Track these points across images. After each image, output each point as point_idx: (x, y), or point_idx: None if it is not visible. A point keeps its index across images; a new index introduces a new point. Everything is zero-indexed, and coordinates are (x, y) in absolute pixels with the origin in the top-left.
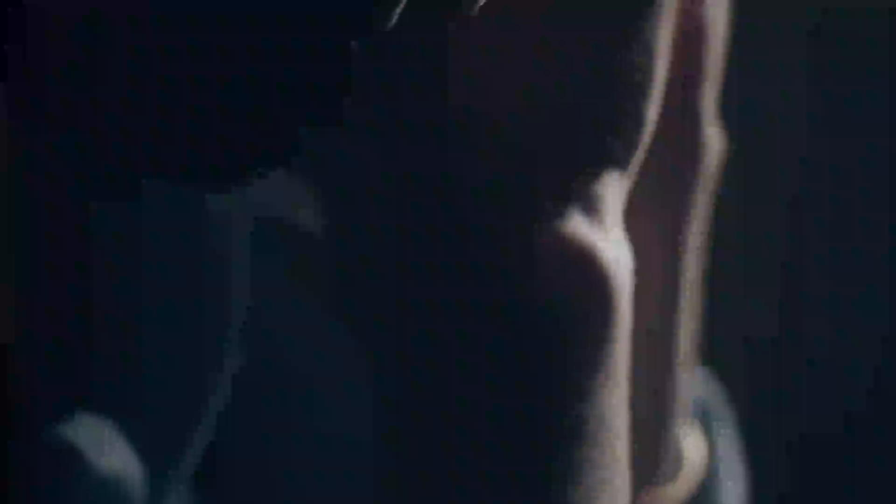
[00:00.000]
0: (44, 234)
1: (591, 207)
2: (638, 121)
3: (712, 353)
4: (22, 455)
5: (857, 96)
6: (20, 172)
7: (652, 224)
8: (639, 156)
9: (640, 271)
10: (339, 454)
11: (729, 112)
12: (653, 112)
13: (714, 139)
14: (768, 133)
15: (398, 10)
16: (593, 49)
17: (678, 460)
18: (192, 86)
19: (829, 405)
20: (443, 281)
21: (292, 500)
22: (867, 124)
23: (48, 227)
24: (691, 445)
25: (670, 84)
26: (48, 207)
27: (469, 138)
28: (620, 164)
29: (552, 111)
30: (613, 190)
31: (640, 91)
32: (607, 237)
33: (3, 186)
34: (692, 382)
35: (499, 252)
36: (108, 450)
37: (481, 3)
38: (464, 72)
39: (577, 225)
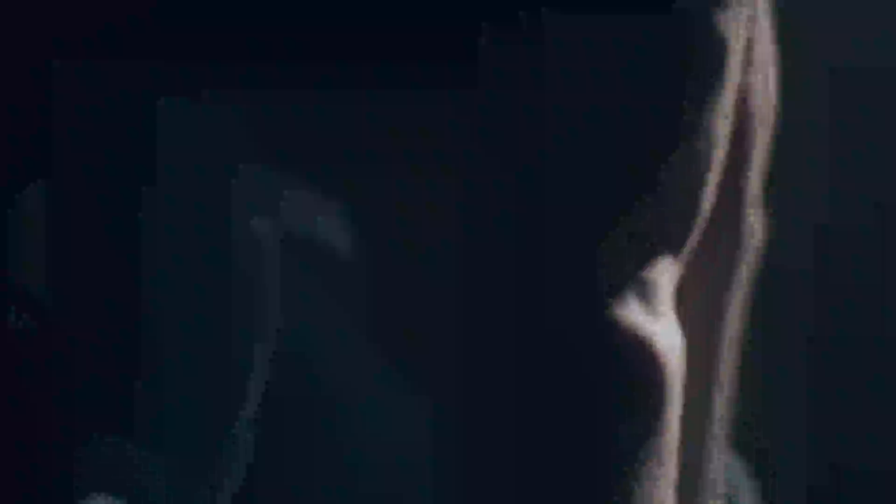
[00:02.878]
0: (80, 260)
1: (646, 294)
2: (695, 207)
3: None
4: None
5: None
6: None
7: (696, 306)
8: (693, 240)
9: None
10: (371, 473)
11: None
12: (710, 198)
13: (759, 225)
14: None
15: None
16: (656, 139)
17: None
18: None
19: None
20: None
21: None
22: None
23: (85, 251)
24: None
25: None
26: (81, 231)
27: None
28: (675, 249)
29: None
30: (668, 275)
31: (699, 178)
32: (662, 324)
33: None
34: (723, 463)
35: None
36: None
37: None
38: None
39: (635, 313)
